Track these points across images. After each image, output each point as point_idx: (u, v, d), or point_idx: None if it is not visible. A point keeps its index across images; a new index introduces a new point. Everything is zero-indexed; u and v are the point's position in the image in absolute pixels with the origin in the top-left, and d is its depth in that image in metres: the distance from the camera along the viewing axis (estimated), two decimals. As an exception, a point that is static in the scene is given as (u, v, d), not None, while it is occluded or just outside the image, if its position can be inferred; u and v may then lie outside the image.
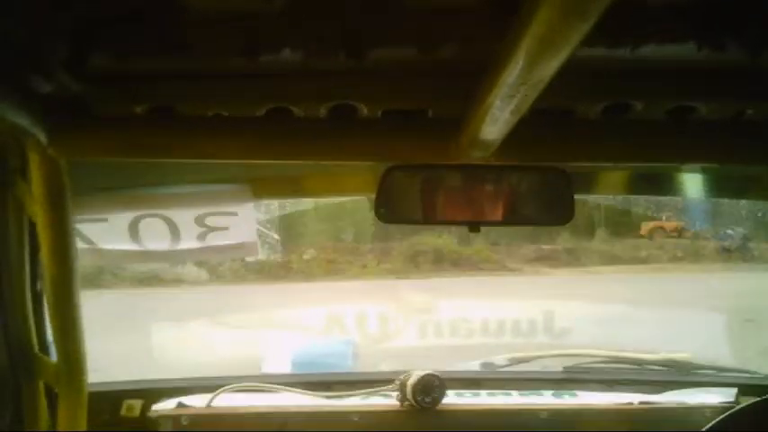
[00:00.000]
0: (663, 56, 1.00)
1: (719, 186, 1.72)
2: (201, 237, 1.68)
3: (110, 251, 1.70)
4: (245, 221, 1.68)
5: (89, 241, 1.66)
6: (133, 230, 1.65)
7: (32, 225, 1.32)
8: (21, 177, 1.29)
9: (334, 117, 1.14)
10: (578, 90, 1.09)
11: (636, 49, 0.98)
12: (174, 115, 1.14)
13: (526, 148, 1.16)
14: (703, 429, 1.62)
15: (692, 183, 1.69)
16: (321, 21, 0.98)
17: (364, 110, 1.14)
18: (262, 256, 1.81)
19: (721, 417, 1.65)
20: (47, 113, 1.09)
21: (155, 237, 1.67)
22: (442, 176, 1.29)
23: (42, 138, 1.12)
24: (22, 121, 1.06)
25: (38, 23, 0.93)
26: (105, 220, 1.64)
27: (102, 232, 1.66)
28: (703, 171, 1.64)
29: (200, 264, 7.77)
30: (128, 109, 1.13)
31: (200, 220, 1.67)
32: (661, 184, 1.71)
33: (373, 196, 1.28)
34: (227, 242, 1.70)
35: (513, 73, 0.80)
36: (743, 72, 1.05)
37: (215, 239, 1.69)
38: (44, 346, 1.40)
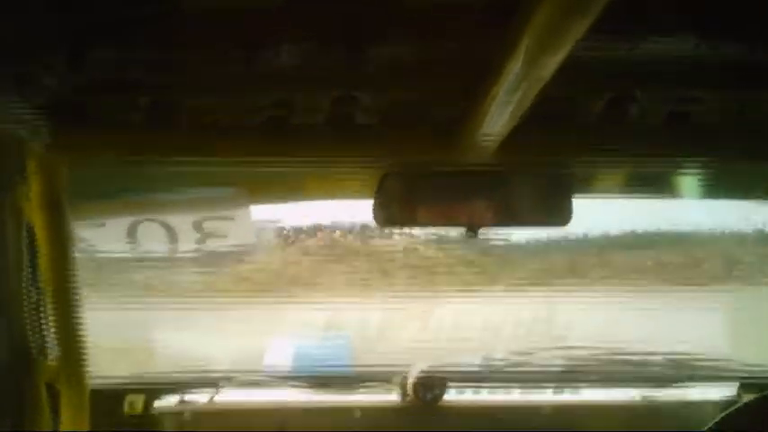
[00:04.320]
0: (662, 53, 1.00)
1: (720, 186, 1.72)
2: (199, 243, 1.68)
3: (108, 257, 1.70)
4: (242, 226, 1.68)
5: (88, 246, 1.66)
6: (131, 237, 1.65)
7: (31, 230, 1.32)
8: (19, 182, 1.28)
9: (334, 114, 1.15)
10: (578, 87, 1.09)
11: (635, 47, 0.98)
12: (173, 119, 1.14)
13: (527, 146, 1.16)
14: (706, 428, 1.62)
15: (693, 183, 1.69)
16: (320, 19, 0.98)
17: (365, 107, 1.14)
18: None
19: (724, 413, 1.65)
20: (45, 118, 1.10)
21: (152, 243, 1.67)
22: (440, 179, 1.29)
23: (41, 142, 1.12)
24: (21, 125, 1.07)
25: (36, 27, 0.93)
26: (103, 225, 1.64)
27: (101, 238, 1.66)
28: (704, 171, 1.63)
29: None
30: (126, 113, 1.13)
31: (197, 226, 1.67)
32: (662, 185, 1.71)
33: (372, 200, 1.28)
34: (225, 248, 1.70)
35: (513, 70, 0.81)
36: (742, 68, 1.05)
37: (213, 245, 1.69)
38: (45, 348, 1.40)
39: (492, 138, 1.06)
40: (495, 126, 1.01)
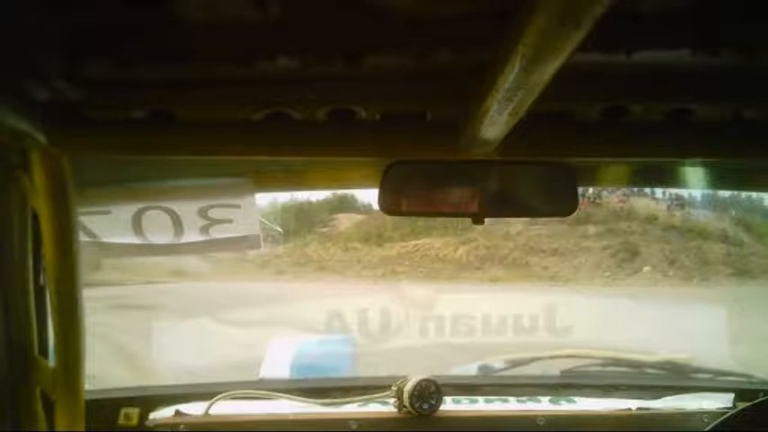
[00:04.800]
0: (659, 60, 1.00)
1: (720, 179, 1.72)
2: (204, 229, 1.67)
3: (113, 245, 1.69)
4: (247, 214, 1.67)
5: (92, 235, 1.65)
6: (136, 223, 1.64)
7: (36, 220, 1.31)
8: (23, 173, 1.28)
9: (332, 121, 1.15)
10: (575, 93, 1.09)
11: (632, 54, 0.98)
12: (173, 119, 1.14)
13: (524, 150, 1.17)
14: None
15: (695, 174, 1.69)
16: (317, 28, 0.98)
17: (363, 114, 1.14)
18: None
19: (716, 421, 1.65)
20: (47, 117, 1.10)
21: (158, 230, 1.66)
22: (445, 169, 1.29)
23: (43, 140, 1.12)
24: (23, 125, 1.07)
25: (36, 30, 0.93)
26: (108, 212, 1.63)
27: (105, 225, 1.65)
28: (705, 164, 1.64)
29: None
30: (126, 113, 1.13)
31: (203, 213, 1.66)
32: (663, 176, 1.71)
33: (377, 189, 1.29)
34: (231, 235, 1.69)
35: (509, 77, 0.81)
36: (739, 74, 1.05)
37: (218, 232, 1.68)
38: (44, 349, 1.39)
39: (490, 141, 1.06)
40: (493, 130, 1.01)
